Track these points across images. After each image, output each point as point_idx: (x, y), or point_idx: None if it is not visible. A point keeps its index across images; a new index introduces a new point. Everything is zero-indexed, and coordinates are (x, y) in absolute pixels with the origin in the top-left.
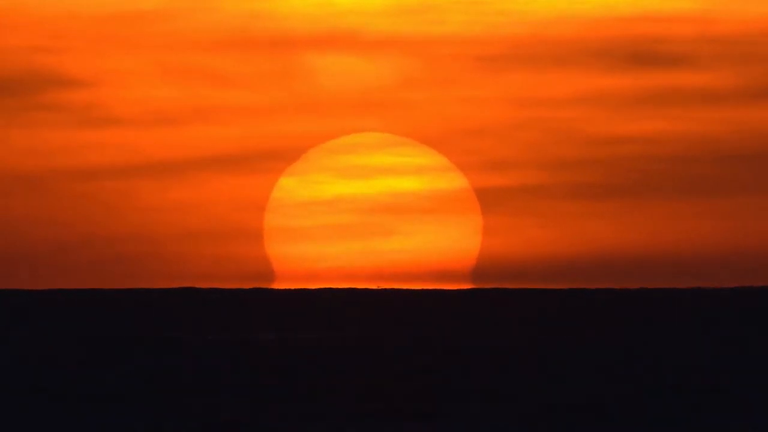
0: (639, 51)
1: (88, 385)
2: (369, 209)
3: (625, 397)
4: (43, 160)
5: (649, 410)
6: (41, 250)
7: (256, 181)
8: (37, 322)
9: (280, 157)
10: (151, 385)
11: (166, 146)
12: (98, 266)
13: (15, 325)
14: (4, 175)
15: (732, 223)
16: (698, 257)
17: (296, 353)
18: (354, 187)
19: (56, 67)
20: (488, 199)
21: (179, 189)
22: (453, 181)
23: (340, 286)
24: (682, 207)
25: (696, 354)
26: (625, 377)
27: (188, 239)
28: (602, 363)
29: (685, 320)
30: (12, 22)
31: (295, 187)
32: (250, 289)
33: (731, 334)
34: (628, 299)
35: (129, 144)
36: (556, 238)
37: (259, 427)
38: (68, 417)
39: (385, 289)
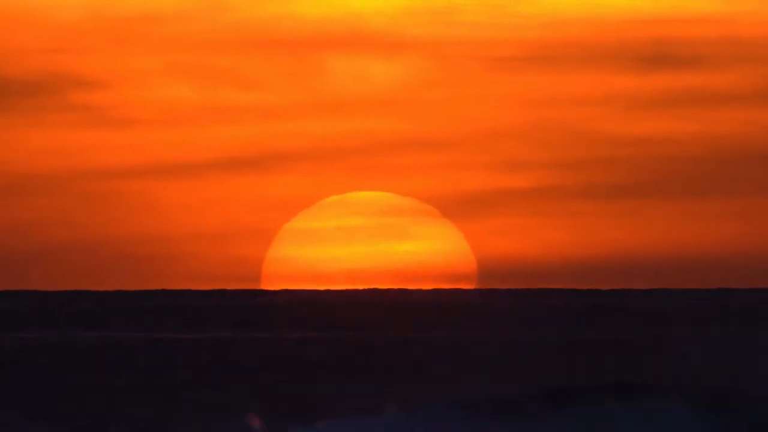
0: (657, 52)
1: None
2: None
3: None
4: (61, 161)
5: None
6: (56, 251)
7: (274, 181)
8: (51, 322)
9: (297, 158)
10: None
11: (184, 147)
12: (114, 267)
13: (31, 327)
14: (22, 176)
15: (751, 224)
16: (715, 258)
17: (307, 352)
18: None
19: (74, 68)
20: (504, 200)
21: (197, 190)
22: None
23: (353, 288)
24: (700, 208)
25: (707, 356)
26: (633, 375)
27: (205, 241)
28: (611, 362)
29: (700, 321)
30: (30, 23)
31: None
32: (262, 290)
33: (744, 335)
34: (644, 300)
35: (147, 145)
36: (573, 239)
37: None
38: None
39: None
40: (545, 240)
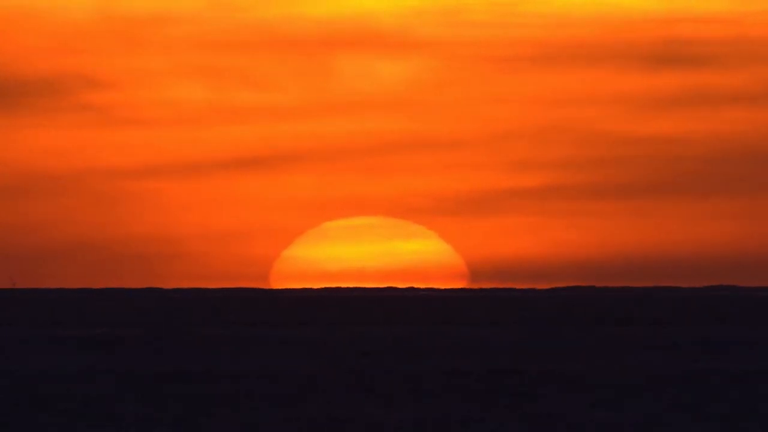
0: (666, 52)
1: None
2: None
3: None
4: (72, 161)
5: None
6: (63, 250)
7: (283, 181)
8: (57, 320)
9: (306, 158)
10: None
11: (193, 147)
12: (120, 266)
13: (40, 324)
14: (32, 175)
15: (761, 223)
16: (724, 257)
17: (313, 348)
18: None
19: (84, 68)
20: (513, 200)
21: (205, 190)
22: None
23: (361, 286)
24: (709, 207)
25: (715, 355)
26: (636, 372)
27: (212, 239)
28: (617, 360)
29: (709, 319)
30: (39, 24)
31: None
32: (269, 289)
33: (751, 334)
34: (653, 298)
35: (156, 145)
36: (582, 238)
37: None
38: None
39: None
40: (554, 239)
